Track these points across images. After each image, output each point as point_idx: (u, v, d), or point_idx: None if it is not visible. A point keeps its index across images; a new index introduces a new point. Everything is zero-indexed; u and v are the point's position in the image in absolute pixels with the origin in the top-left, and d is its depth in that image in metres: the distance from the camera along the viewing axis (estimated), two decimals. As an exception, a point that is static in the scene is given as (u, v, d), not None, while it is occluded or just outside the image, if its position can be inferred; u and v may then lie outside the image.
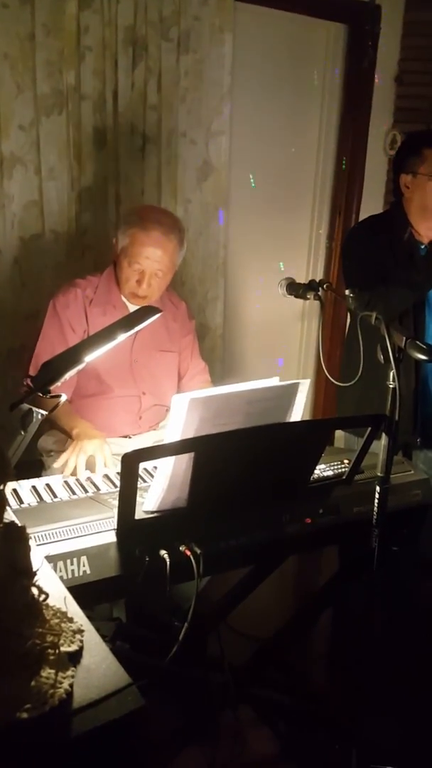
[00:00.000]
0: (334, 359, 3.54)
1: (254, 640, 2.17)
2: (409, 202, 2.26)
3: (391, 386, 1.60)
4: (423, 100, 3.19)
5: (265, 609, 2.33)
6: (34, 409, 1.33)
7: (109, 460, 1.86)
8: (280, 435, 1.51)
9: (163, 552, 1.40)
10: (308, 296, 1.91)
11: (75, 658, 0.84)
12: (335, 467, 1.77)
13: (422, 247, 2.26)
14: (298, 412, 1.57)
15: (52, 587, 0.99)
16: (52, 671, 0.79)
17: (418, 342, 1.52)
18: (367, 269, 2.19)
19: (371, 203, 3.31)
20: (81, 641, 0.87)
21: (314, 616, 2.25)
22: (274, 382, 1.53)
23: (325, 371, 1.92)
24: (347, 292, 1.78)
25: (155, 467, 1.50)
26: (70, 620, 0.90)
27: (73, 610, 0.95)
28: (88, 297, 2.12)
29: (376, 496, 1.63)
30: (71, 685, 0.79)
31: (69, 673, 0.80)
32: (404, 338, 1.55)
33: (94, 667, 0.83)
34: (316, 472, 1.71)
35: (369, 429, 1.65)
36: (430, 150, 2.17)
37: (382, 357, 1.61)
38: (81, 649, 0.86)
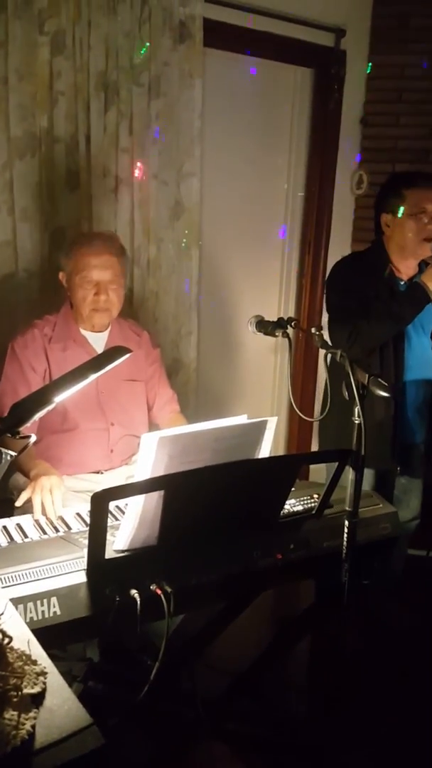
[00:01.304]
0: (307, 393, 3.60)
1: (230, 674, 2.17)
2: (389, 240, 2.34)
3: (356, 422, 1.63)
4: (387, 141, 3.30)
5: (241, 643, 2.32)
6: (3, 450, 1.34)
7: (66, 496, 1.89)
8: (248, 471, 1.53)
9: (133, 591, 1.41)
10: (276, 334, 1.95)
11: (38, 699, 0.85)
12: (305, 502, 1.80)
13: (402, 283, 2.34)
14: (266, 449, 1.59)
15: (16, 630, 0.99)
16: (15, 713, 0.80)
17: (379, 379, 1.57)
18: (351, 302, 2.27)
19: (339, 241, 3.40)
20: (44, 683, 0.87)
21: (289, 648, 2.25)
22: (243, 419, 1.56)
23: (294, 406, 1.96)
24: (313, 330, 1.82)
25: (127, 504, 1.51)
26: (34, 662, 0.90)
27: (37, 652, 0.95)
28: (46, 335, 2.16)
29: (345, 530, 1.66)
30: (33, 726, 0.80)
31: (31, 714, 0.81)
32: (367, 375, 1.59)
33: (56, 708, 0.84)
34: (286, 507, 1.74)
35: (337, 464, 1.69)
36: (409, 191, 2.27)
37: (347, 393, 1.66)
38: (44, 690, 0.87)
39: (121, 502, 1.75)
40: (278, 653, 2.05)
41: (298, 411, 1.98)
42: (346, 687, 1.87)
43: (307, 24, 3.04)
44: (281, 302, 3.53)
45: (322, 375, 1.81)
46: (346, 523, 1.65)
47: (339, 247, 3.38)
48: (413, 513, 2.63)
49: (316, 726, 2.08)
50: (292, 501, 1.78)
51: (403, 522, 2.59)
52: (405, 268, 2.34)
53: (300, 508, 1.77)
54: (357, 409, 1.63)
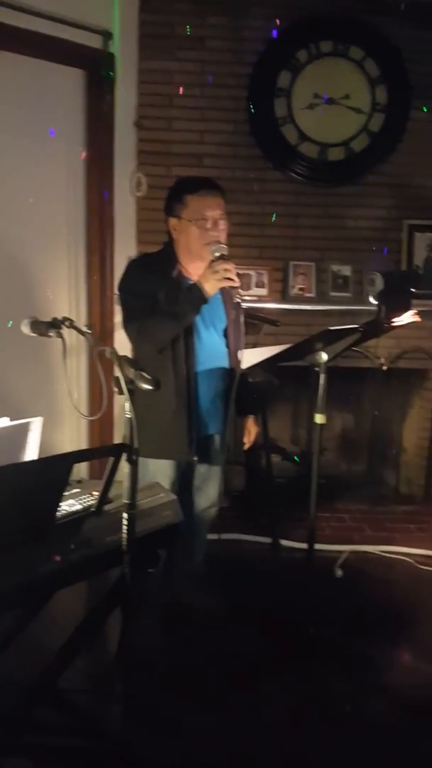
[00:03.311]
0: (108, 391, 3.59)
1: (25, 684, 2.09)
2: (176, 243, 2.40)
3: (127, 416, 1.67)
4: (161, 144, 3.40)
5: (37, 650, 2.24)
6: None
7: None
8: (13, 476, 1.49)
9: None
10: (50, 334, 1.93)
11: None
12: (84, 500, 1.80)
13: (190, 283, 2.40)
14: (33, 451, 1.57)
15: None
16: None
17: (143, 373, 1.62)
18: (140, 302, 2.30)
19: (124, 242, 3.44)
20: None
21: (84, 648, 2.22)
22: (3, 423, 1.52)
23: (72, 405, 1.96)
24: (83, 328, 1.83)
25: None
26: None
27: None
28: None
29: (124, 522, 1.68)
30: None
31: None
32: (133, 370, 1.64)
33: None
34: (65, 507, 1.72)
35: (113, 459, 1.71)
36: (191, 196, 2.33)
37: (117, 390, 1.69)
38: None
39: None
40: (73, 655, 2.02)
41: (76, 408, 1.98)
42: (152, 682, 1.89)
43: (72, 25, 3.03)
44: (71, 304, 3.49)
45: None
46: (125, 515, 1.68)
47: (124, 247, 3.42)
48: (211, 501, 2.73)
49: (123, 726, 2.09)
50: (71, 501, 1.77)
51: (201, 509, 2.70)
52: (194, 269, 2.40)
53: (79, 507, 1.76)
54: (128, 404, 1.66)
